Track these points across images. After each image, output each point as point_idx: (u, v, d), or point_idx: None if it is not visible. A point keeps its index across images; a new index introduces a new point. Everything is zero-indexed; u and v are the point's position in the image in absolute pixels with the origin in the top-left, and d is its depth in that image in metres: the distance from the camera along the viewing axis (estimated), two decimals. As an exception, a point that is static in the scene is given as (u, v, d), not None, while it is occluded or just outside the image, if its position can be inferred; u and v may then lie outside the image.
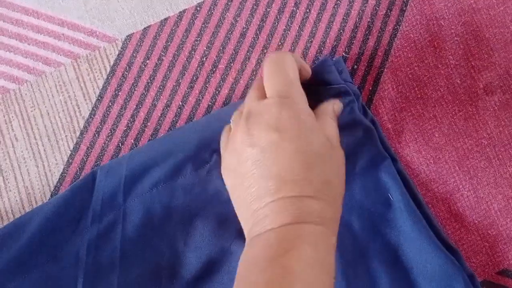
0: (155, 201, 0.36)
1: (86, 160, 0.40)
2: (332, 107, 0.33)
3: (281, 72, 0.29)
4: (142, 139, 0.40)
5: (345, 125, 0.37)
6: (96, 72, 0.42)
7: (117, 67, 0.42)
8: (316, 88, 0.38)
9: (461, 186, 0.38)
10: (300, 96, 0.29)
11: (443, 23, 0.40)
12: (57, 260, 0.35)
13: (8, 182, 0.40)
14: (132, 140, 0.40)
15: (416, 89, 0.39)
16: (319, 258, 0.25)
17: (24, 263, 0.35)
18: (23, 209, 0.39)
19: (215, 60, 0.41)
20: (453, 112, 0.39)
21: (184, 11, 0.42)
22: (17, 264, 0.35)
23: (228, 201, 0.32)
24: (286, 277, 0.23)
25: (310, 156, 0.27)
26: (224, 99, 0.41)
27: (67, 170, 0.40)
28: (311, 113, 0.29)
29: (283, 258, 0.24)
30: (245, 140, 0.27)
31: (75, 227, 0.36)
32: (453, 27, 0.39)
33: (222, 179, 0.33)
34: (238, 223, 0.31)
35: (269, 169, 0.26)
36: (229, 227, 0.36)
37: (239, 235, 0.35)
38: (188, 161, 0.37)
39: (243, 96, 0.41)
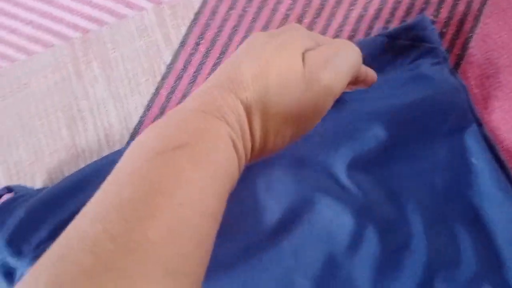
0: None
1: (166, 106, 0.40)
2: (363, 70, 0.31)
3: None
4: (223, 88, 0.40)
5: (435, 85, 0.37)
6: (179, 19, 0.41)
7: (200, 15, 0.41)
8: (405, 43, 0.38)
9: (546, 156, 0.38)
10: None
11: (537, -8, 0.39)
12: None
13: (86, 122, 0.40)
14: (213, 89, 0.40)
15: (505, 56, 0.39)
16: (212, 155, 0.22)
17: None
18: (101, 148, 0.39)
19: (300, 14, 0.41)
20: (542, 82, 0.38)
21: (271, -37, 0.42)
22: None
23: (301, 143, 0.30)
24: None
25: (270, 75, 0.25)
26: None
27: (146, 114, 0.40)
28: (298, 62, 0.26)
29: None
30: None
31: None
32: (547, -4, 0.39)
33: None
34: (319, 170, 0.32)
35: (227, 64, 0.27)
36: (308, 174, 0.36)
37: (321, 185, 0.35)
38: None
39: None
